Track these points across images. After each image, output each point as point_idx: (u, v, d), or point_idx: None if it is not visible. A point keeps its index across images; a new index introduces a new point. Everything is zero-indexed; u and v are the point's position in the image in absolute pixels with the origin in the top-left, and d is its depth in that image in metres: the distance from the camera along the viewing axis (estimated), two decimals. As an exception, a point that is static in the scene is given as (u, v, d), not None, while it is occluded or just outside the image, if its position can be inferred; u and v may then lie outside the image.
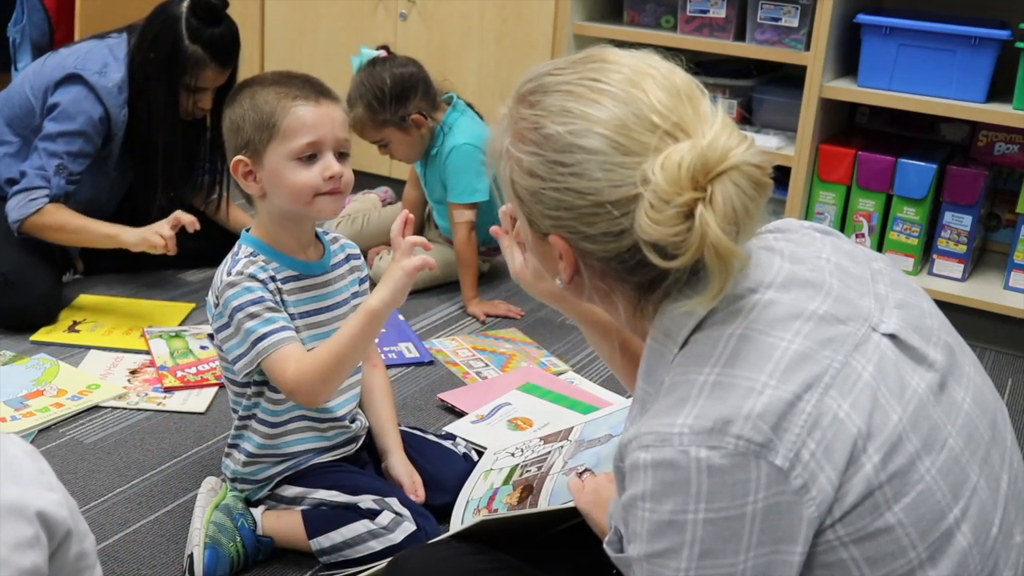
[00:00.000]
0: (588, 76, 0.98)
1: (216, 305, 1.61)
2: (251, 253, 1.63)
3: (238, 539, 1.61)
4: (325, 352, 1.55)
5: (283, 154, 1.57)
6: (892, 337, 0.98)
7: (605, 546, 1.06)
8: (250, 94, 1.60)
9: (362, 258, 1.79)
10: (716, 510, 0.89)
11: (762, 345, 0.93)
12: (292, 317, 1.63)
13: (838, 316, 0.96)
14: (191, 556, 1.58)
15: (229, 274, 1.59)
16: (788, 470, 0.88)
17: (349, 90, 2.60)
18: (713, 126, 0.94)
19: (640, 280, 1.00)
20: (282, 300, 1.62)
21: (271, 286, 1.60)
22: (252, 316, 1.57)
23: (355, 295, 1.76)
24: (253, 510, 1.68)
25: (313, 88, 1.60)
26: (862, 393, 0.92)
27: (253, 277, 1.58)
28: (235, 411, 1.72)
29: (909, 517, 0.91)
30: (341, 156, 1.61)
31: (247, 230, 1.68)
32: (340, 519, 1.62)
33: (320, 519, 1.63)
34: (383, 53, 2.64)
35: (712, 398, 0.91)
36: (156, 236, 2.39)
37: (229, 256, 1.64)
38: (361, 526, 1.60)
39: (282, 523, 1.66)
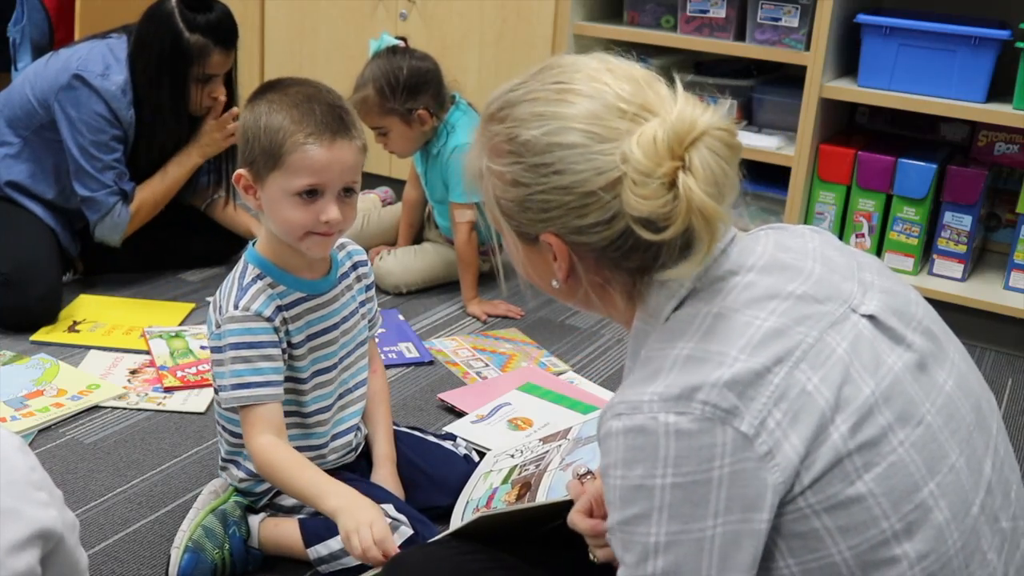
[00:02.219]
0: (551, 81, 1.03)
1: (217, 325, 1.59)
2: (257, 275, 1.59)
3: (226, 547, 1.59)
4: (289, 464, 1.54)
5: (283, 187, 1.52)
6: (871, 318, 1.01)
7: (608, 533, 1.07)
8: (267, 108, 1.52)
9: (369, 264, 1.77)
10: (683, 475, 0.91)
11: (737, 323, 0.97)
12: (297, 344, 1.61)
13: (816, 297, 1.00)
14: (169, 556, 1.57)
15: (236, 306, 1.56)
16: (753, 436, 0.91)
17: (363, 71, 2.60)
18: (677, 102, 0.99)
19: (634, 265, 1.02)
20: (288, 331, 1.60)
21: (277, 320, 1.58)
22: (244, 360, 1.55)
23: (363, 303, 1.74)
24: (252, 518, 1.66)
25: (330, 126, 1.51)
26: (834, 368, 0.95)
27: (259, 315, 1.56)
28: (224, 427, 1.70)
29: (880, 487, 0.93)
30: (347, 192, 1.55)
31: (253, 244, 1.65)
32: (336, 528, 1.59)
33: (317, 527, 1.61)
34: (402, 43, 2.64)
35: (684, 371, 0.94)
36: (218, 140, 2.58)
37: (235, 276, 1.61)
38: None
39: (280, 531, 1.65)
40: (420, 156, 2.75)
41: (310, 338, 1.64)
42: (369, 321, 1.77)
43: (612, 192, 0.98)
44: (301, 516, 1.66)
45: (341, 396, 1.72)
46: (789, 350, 0.95)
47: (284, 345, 1.60)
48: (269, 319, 1.57)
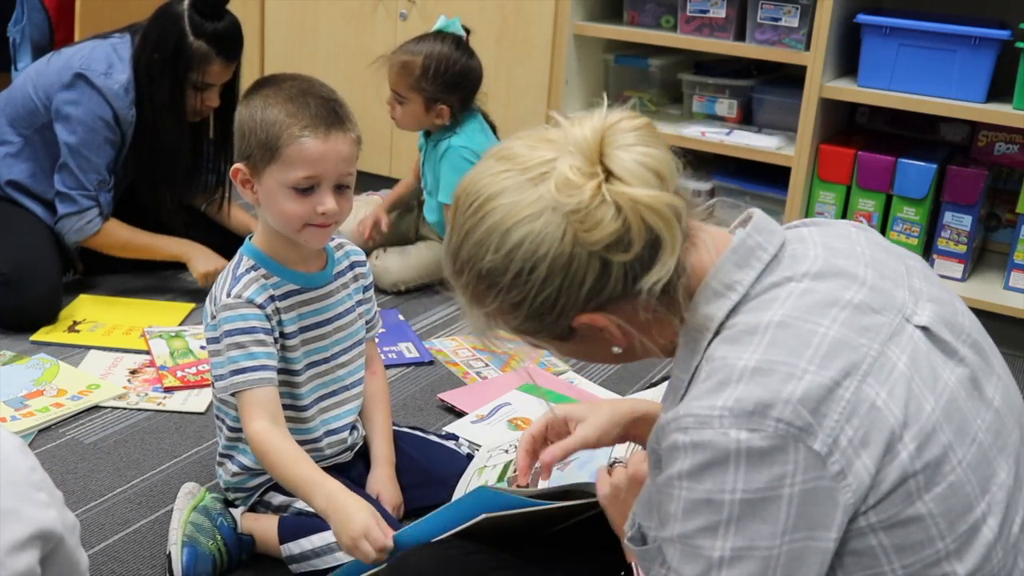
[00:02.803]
0: (467, 210, 1.03)
1: (212, 317, 1.61)
2: (252, 266, 1.61)
3: (218, 537, 1.60)
4: (284, 455, 1.53)
5: (280, 180, 1.54)
6: (924, 330, 1.00)
7: (627, 542, 1.07)
8: (263, 103, 1.55)
9: (367, 265, 1.78)
10: (753, 491, 0.90)
11: (800, 331, 0.95)
12: (290, 335, 1.62)
13: (873, 306, 0.98)
14: (169, 555, 1.57)
15: (228, 294, 1.58)
16: (826, 455, 0.90)
17: (420, 39, 2.62)
18: (570, 130, 1.00)
19: (656, 287, 0.99)
20: (280, 320, 1.61)
21: (269, 308, 1.59)
22: (239, 346, 1.57)
23: (359, 303, 1.74)
24: (232, 510, 1.67)
25: (325, 118, 1.53)
26: (898, 382, 0.94)
27: (251, 302, 1.58)
28: (221, 420, 1.70)
29: (939, 507, 0.93)
30: (341, 187, 1.57)
31: (249, 238, 1.66)
32: (312, 527, 1.59)
33: (292, 526, 1.62)
34: (466, 37, 2.66)
35: (752, 383, 0.92)
36: (216, 267, 2.51)
37: (230, 268, 1.63)
38: (330, 535, 1.55)
39: (259, 527, 1.65)
40: (426, 142, 2.76)
41: (303, 330, 1.65)
42: (367, 322, 1.78)
43: (582, 249, 0.97)
44: (283, 515, 1.66)
45: (334, 393, 1.71)
46: (855, 363, 0.93)
47: (276, 335, 1.61)
48: (261, 306, 1.58)
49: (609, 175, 0.96)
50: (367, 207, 3.08)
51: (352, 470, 1.75)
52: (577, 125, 1.00)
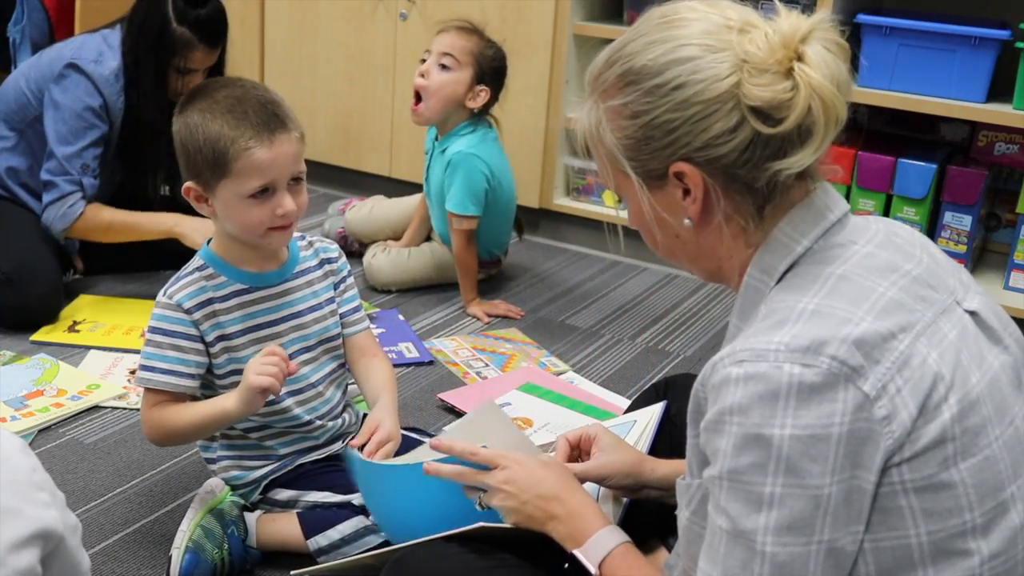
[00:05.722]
0: (655, 20, 1.06)
1: None
2: (199, 267, 1.64)
3: (225, 547, 1.60)
4: (172, 418, 1.59)
5: (235, 192, 1.55)
6: (973, 315, 1.04)
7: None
8: (200, 117, 1.55)
9: (341, 260, 1.76)
10: (802, 427, 0.92)
11: (861, 287, 0.99)
12: (233, 335, 1.63)
13: (928, 282, 1.03)
14: (170, 557, 1.57)
15: (165, 293, 1.61)
16: (875, 399, 0.92)
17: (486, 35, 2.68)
18: (777, 17, 1.04)
19: (760, 185, 1.03)
20: (218, 323, 1.61)
21: (198, 313, 1.60)
22: (155, 344, 1.60)
23: (331, 300, 1.73)
24: (248, 515, 1.66)
25: (267, 125, 1.54)
26: (948, 349, 0.98)
27: (179, 306, 1.59)
28: None
29: (972, 479, 0.95)
30: (296, 181, 1.59)
31: (208, 242, 1.67)
32: (335, 518, 1.61)
33: (316, 519, 1.63)
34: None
35: (810, 323, 0.95)
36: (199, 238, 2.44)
37: (183, 268, 1.66)
38: (358, 522, 1.60)
39: (279, 526, 1.65)
40: (434, 146, 2.74)
41: (251, 329, 1.65)
42: (341, 317, 1.75)
43: (732, 98, 1.00)
44: (297, 510, 1.66)
45: (299, 392, 1.68)
46: (911, 323, 0.97)
47: (211, 338, 1.62)
48: (188, 311, 1.60)
49: (801, 59, 1.00)
50: (373, 203, 3.05)
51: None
52: (788, 13, 1.04)
